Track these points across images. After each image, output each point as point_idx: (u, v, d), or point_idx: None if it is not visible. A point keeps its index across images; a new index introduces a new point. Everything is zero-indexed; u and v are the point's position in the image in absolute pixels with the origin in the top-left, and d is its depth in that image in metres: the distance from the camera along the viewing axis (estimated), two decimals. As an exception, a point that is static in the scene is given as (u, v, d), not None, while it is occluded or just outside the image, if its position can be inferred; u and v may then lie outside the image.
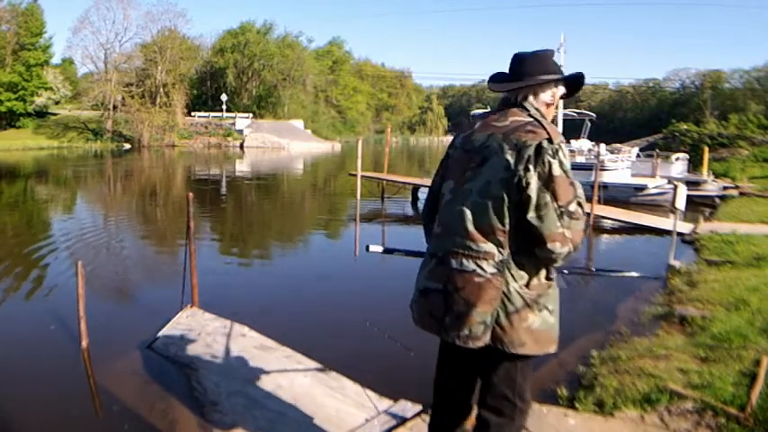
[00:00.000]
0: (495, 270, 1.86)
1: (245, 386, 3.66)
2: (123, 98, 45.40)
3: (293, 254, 9.72)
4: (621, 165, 16.28)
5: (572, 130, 18.84)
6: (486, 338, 1.90)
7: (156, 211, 14.50)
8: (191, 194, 5.05)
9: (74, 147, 41.46)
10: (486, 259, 1.87)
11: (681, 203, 7.15)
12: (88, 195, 18.34)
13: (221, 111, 52.11)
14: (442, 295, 1.94)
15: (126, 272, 7.84)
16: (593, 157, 15.04)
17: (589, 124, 18.50)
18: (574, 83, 2.09)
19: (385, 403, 3.38)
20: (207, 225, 11.49)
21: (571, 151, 16.71)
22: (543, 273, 1.93)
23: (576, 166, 15.56)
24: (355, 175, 14.53)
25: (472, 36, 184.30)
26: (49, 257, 8.16)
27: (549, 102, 2.02)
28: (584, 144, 17.61)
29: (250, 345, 4.36)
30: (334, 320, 5.56)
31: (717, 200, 14.78)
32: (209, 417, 3.36)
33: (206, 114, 52.08)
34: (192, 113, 50.94)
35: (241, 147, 46.00)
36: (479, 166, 1.91)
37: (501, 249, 1.87)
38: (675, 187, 7.41)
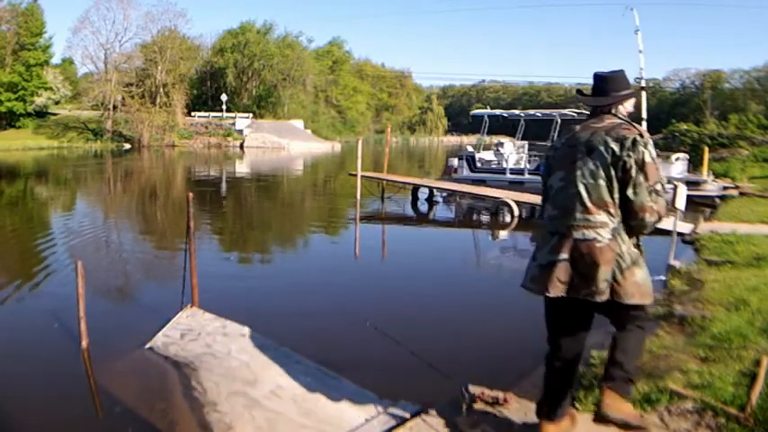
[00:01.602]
0: (610, 236, 2.36)
1: (245, 386, 3.67)
2: (123, 98, 45.34)
3: (293, 254, 9.73)
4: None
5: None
6: (608, 293, 2.34)
7: (156, 212, 14.51)
8: (191, 194, 5.05)
9: (74, 147, 41.44)
10: (602, 227, 2.36)
11: (681, 203, 7.14)
12: (88, 195, 18.34)
13: (221, 111, 52.05)
14: (570, 263, 2.38)
15: (126, 272, 7.84)
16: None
17: (589, 124, 18.48)
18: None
19: (385, 403, 3.38)
20: (207, 225, 11.49)
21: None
22: (634, 239, 2.44)
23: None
24: (355, 175, 14.54)
25: (472, 36, 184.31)
26: (49, 257, 8.16)
27: (630, 110, 2.60)
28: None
29: (250, 345, 4.36)
30: (334, 320, 5.56)
31: (717, 200, 14.76)
32: (209, 417, 3.36)
33: (206, 114, 52.00)
34: (192, 113, 50.85)
35: (241, 147, 45.98)
36: (587, 155, 2.41)
37: (612, 219, 2.38)
38: (675, 187, 7.39)
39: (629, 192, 2.34)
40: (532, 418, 2.95)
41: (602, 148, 2.37)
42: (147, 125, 44.40)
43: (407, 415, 3.12)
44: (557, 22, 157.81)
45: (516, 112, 20.00)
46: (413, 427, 2.94)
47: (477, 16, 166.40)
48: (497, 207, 12.47)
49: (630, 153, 2.33)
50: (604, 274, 2.32)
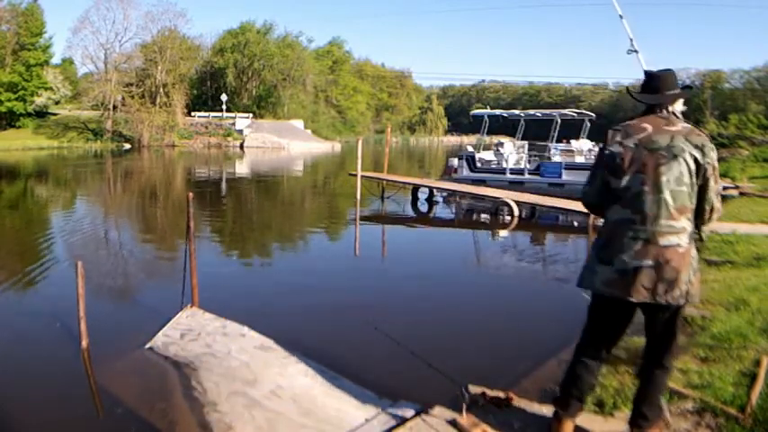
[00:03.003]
0: (688, 241, 2.43)
1: (245, 386, 3.66)
2: (123, 98, 45.32)
3: (293, 254, 9.73)
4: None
5: (572, 130, 18.80)
6: (685, 296, 2.41)
7: (156, 212, 14.50)
8: (191, 194, 5.04)
9: (74, 147, 41.43)
10: (682, 233, 2.42)
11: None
12: (88, 195, 18.34)
13: (221, 111, 52.05)
14: (654, 269, 2.40)
15: (126, 272, 7.84)
16: (592, 157, 15.03)
17: (589, 124, 18.47)
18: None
19: (385, 403, 3.38)
20: (207, 225, 11.49)
21: (570, 151, 16.69)
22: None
23: (575, 166, 15.60)
24: (355, 175, 14.54)
25: (472, 36, 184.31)
26: (49, 258, 8.16)
27: (682, 110, 2.68)
28: (584, 144, 17.58)
29: (250, 345, 4.36)
30: (334, 320, 5.56)
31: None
32: (209, 417, 3.36)
33: (206, 114, 51.99)
34: (192, 113, 50.84)
35: (241, 147, 45.98)
36: (671, 161, 2.43)
37: (690, 224, 2.45)
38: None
39: (707, 196, 2.46)
40: (533, 418, 2.95)
41: (686, 156, 2.43)
42: (147, 125, 44.39)
43: (407, 415, 3.12)
44: (557, 22, 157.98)
45: (516, 112, 20.01)
46: (413, 427, 2.93)
47: (477, 16, 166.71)
48: (497, 207, 12.47)
49: (709, 160, 2.44)
50: (685, 277, 2.39)
